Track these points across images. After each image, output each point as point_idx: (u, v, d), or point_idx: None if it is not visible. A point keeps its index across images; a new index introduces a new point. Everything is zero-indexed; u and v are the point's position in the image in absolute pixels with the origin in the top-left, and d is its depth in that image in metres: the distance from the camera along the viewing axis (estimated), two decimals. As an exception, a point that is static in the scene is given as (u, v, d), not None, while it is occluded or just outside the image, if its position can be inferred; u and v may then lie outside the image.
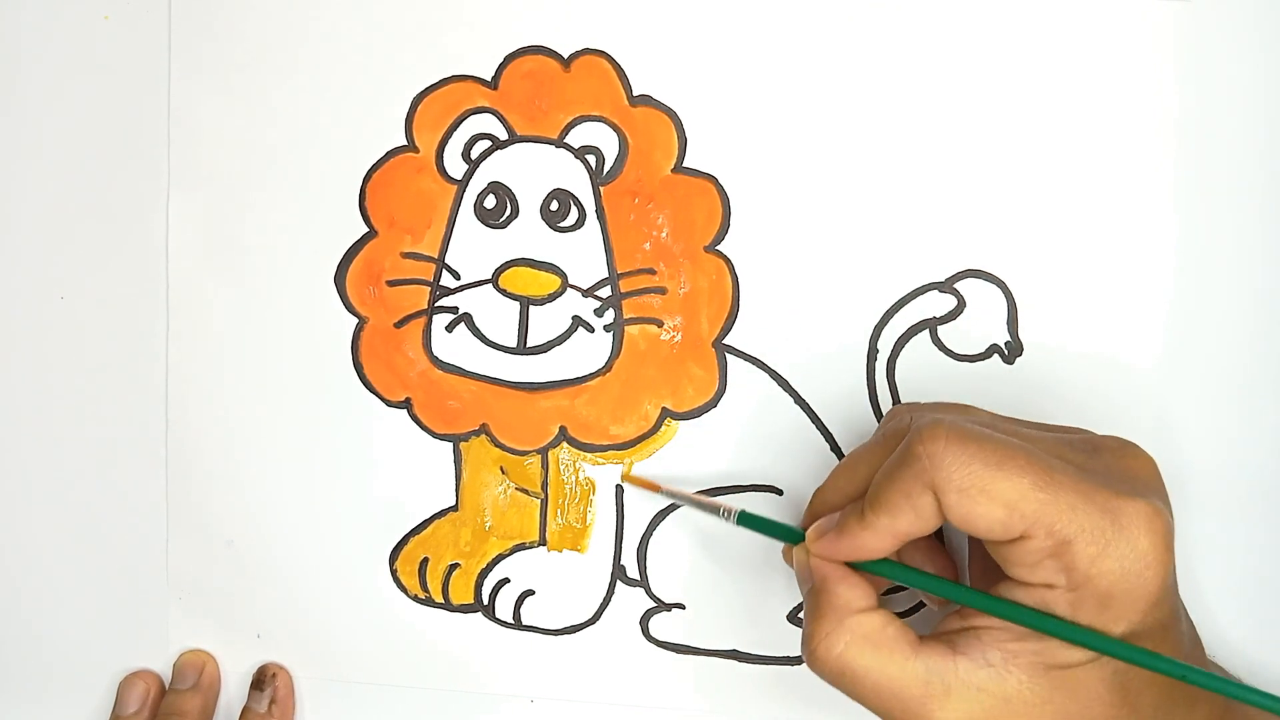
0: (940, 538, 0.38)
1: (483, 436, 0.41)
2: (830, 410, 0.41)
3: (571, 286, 0.41)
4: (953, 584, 0.33)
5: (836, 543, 0.33)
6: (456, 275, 0.41)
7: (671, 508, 0.41)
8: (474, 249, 0.41)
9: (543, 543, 0.42)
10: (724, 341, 0.41)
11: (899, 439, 0.32)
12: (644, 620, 0.42)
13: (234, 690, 0.43)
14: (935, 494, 0.30)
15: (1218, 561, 0.40)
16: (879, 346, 0.40)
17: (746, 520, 0.37)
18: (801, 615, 0.40)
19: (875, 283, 0.40)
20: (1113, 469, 0.31)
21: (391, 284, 0.41)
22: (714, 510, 0.38)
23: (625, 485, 0.41)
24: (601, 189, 0.41)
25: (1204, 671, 0.30)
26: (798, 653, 0.41)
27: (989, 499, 0.29)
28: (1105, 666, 0.30)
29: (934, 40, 0.40)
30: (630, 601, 0.42)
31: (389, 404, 0.42)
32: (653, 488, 0.40)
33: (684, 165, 0.40)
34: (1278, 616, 0.40)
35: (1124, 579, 0.29)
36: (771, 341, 0.41)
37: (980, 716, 0.30)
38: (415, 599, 0.42)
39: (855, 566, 0.34)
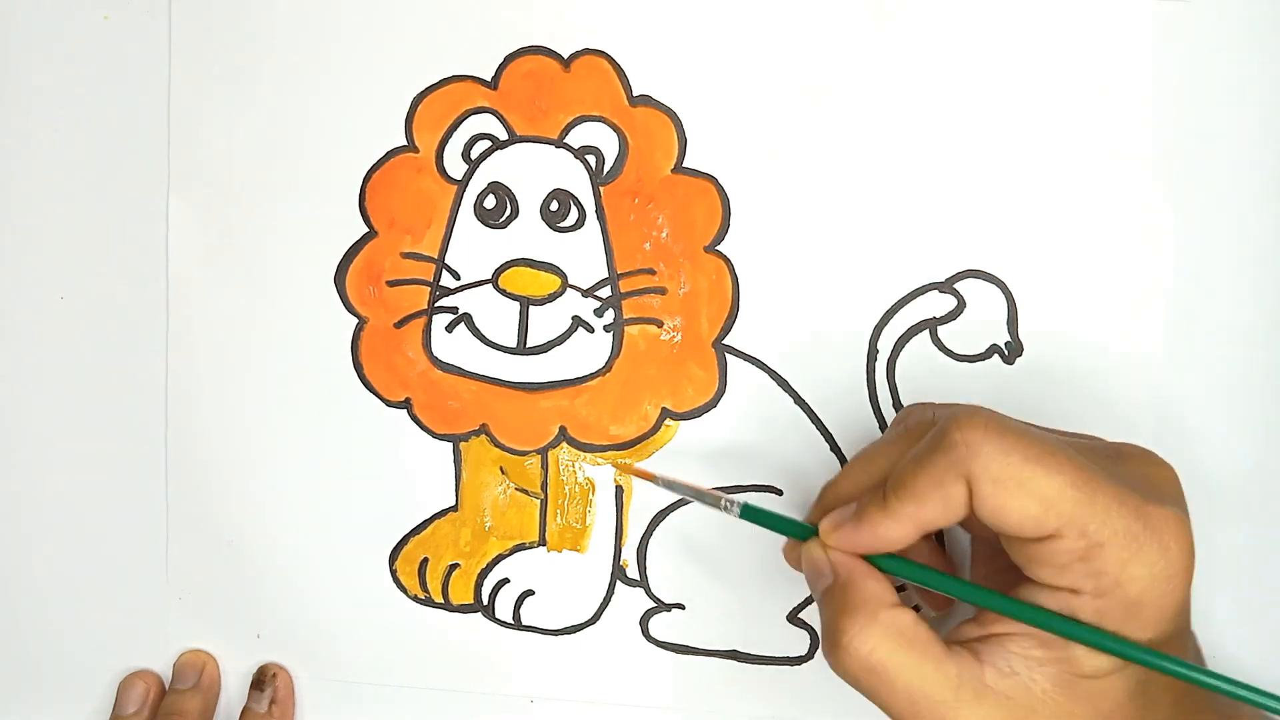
0: (941, 540, 0.38)
1: (482, 437, 0.41)
2: (830, 410, 0.41)
3: (571, 287, 0.41)
4: (979, 588, 0.32)
5: (856, 532, 0.32)
6: (456, 275, 0.41)
7: (671, 508, 0.41)
8: (474, 249, 0.41)
9: (542, 543, 0.42)
10: (724, 342, 0.41)
11: (922, 432, 0.31)
12: (644, 620, 0.42)
13: (234, 690, 0.43)
14: (969, 483, 0.29)
15: (1216, 561, 0.40)
16: (879, 346, 0.40)
17: (750, 514, 0.35)
18: (801, 616, 0.41)
19: (875, 283, 0.40)
20: (1138, 476, 0.30)
21: (391, 284, 0.41)
22: (715, 502, 0.36)
23: (621, 475, 0.41)
24: (601, 189, 0.41)
25: (1241, 682, 0.29)
26: (798, 653, 0.41)
27: (1026, 493, 0.29)
28: (1130, 676, 0.30)
29: (933, 40, 0.40)
30: (630, 602, 0.42)
31: (389, 404, 0.42)
32: (648, 477, 0.38)
33: (684, 165, 0.40)
34: (1277, 615, 0.40)
35: (1153, 586, 0.29)
36: (771, 341, 0.41)
37: None
38: (415, 599, 0.42)
39: (881, 565, 0.32)
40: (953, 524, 0.31)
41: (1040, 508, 0.28)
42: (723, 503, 0.35)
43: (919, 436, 0.31)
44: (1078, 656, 0.29)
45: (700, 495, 0.36)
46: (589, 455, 0.41)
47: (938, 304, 0.40)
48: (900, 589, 0.33)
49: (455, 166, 0.41)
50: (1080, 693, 0.30)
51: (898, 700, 0.30)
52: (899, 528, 0.31)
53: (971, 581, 0.35)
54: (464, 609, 0.42)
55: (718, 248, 0.40)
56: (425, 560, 0.42)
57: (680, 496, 0.40)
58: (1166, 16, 0.39)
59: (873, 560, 0.32)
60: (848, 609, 0.31)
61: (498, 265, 0.41)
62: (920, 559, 0.35)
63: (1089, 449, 0.31)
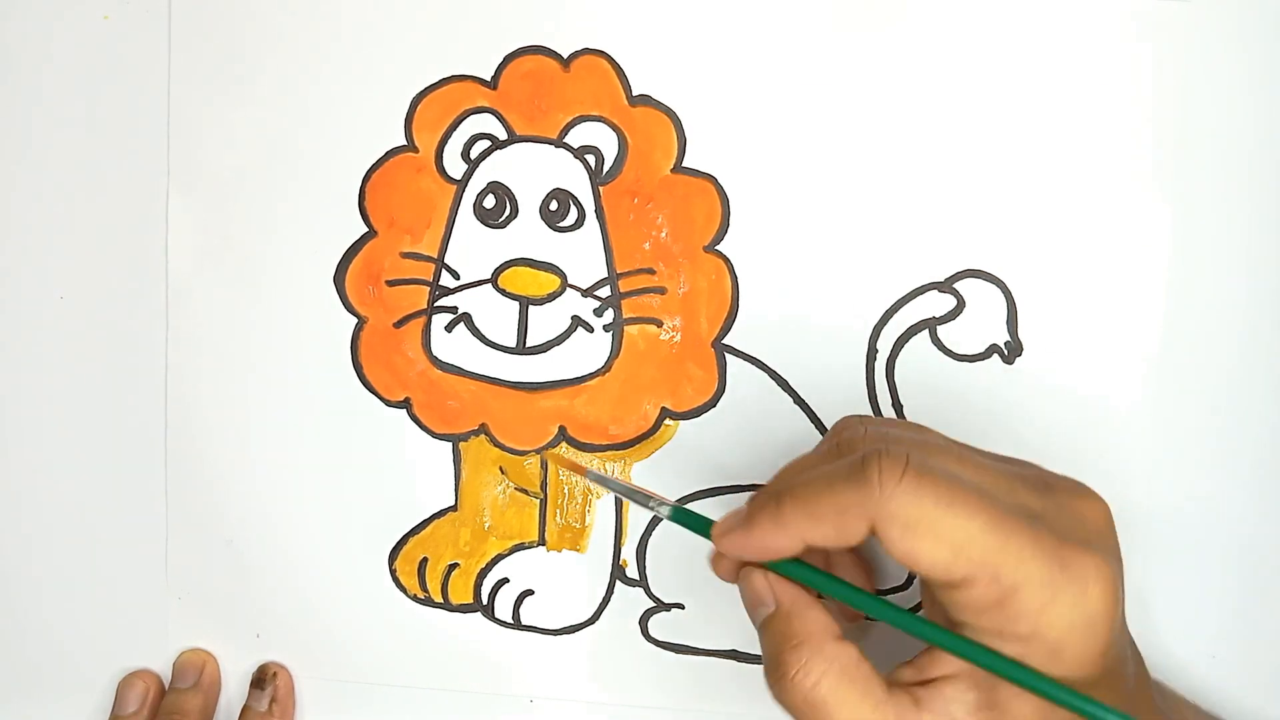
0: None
1: (482, 436, 0.41)
2: (830, 410, 0.41)
3: (571, 286, 0.41)
4: (885, 603, 0.31)
5: (744, 537, 0.31)
6: (456, 275, 0.41)
7: (671, 508, 0.41)
8: (473, 249, 0.41)
9: (542, 543, 0.42)
10: (723, 341, 0.41)
11: (852, 450, 0.31)
12: (643, 620, 0.42)
13: (234, 690, 0.43)
14: (875, 524, 0.29)
15: (1215, 564, 0.40)
16: (879, 346, 0.40)
17: (680, 517, 0.34)
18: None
19: (875, 283, 0.40)
20: (1065, 512, 0.30)
21: (391, 284, 0.41)
22: (645, 501, 0.35)
23: (548, 461, 0.40)
24: (601, 189, 0.41)
25: None
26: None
27: (935, 537, 0.28)
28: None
29: (933, 40, 0.39)
30: (630, 601, 0.42)
31: (388, 404, 0.42)
32: (578, 469, 0.38)
33: (683, 165, 0.40)
34: (1276, 613, 0.40)
35: (1072, 631, 0.28)
36: (771, 341, 0.41)
37: None
38: (414, 599, 0.42)
39: (778, 569, 0.32)
40: (843, 549, 0.30)
41: (950, 553, 0.28)
42: (652, 502, 0.35)
43: (848, 453, 0.31)
44: (1004, 700, 0.29)
45: (631, 493, 0.35)
46: (589, 455, 0.41)
47: (937, 304, 0.40)
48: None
49: (455, 166, 0.41)
50: None
51: None
52: (786, 540, 0.30)
53: (928, 613, 0.34)
54: (463, 609, 0.42)
55: (717, 247, 0.40)
56: (425, 560, 0.42)
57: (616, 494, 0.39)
58: (1165, 16, 0.39)
59: (773, 566, 0.32)
60: (792, 640, 0.30)
61: (497, 265, 0.41)
62: (841, 566, 0.35)
63: (1016, 480, 0.30)
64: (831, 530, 0.29)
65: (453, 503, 0.42)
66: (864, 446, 0.30)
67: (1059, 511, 0.30)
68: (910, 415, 0.40)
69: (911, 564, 0.29)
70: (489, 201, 0.41)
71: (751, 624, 0.32)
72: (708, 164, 0.40)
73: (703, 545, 0.40)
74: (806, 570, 0.32)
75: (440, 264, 0.41)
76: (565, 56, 0.40)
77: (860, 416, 0.34)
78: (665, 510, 0.34)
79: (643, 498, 0.35)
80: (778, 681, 0.30)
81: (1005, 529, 0.28)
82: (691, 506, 0.41)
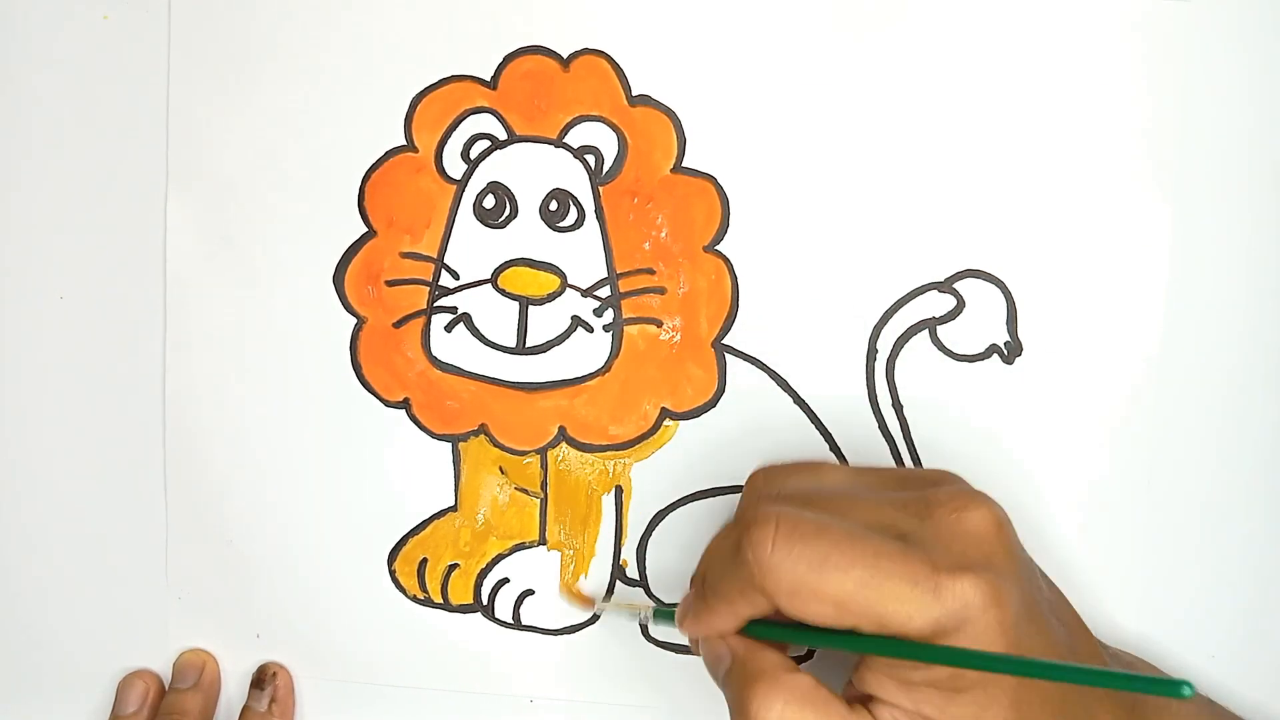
0: None
1: (481, 436, 0.41)
2: (830, 410, 0.41)
3: (571, 286, 0.41)
4: (836, 634, 0.31)
5: (695, 623, 0.34)
6: (455, 275, 0.41)
7: (671, 508, 0.41)
8: (473, 249, 0.41)
9: (542, 542, 0.42)
10: (723, 341, 0.41)
11: (741, 518, 0.32)
12: (643, 620, 0.42)
13: (234, 690, 0.43)
14: (766, 596, 0.30)
15: (1220, 559, 0.40)
16: (879, 346, 0.40)
17: (660, 617, 0.38)
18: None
19: (875, 283, 0.40)
20: (944, 533, 0.31)
21: (390, 284, 0.41)
22: (635, 615, 0.41)
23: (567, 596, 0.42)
24: (601, 189, 0.41)
25: (1080, 668, 0.29)
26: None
27: (818, 600, 0.29)
28: (1003, 707, 0.30)
29: (933, 40, 0.39)
30: (621, 612, 0.42)
31: (388, 404, 0.42)
32: (587, 603, 0.42)
33: (683, 165, 0.40)
34: (1276, 613, 0.40)
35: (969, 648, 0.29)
36: (771, 341, 0.41)
37: None
38: (414, 599, 0.42)
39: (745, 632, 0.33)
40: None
41: (835, 611, 0.29)
42: (641, 615, 0.40)
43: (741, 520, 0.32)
44: (951, 709, 0.30)
45: (624, 613, 0.41)
46: (589, 455, 0.41)
47: (937, 304, 0.40)
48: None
49: (454, 166, 0.41)
50: None
51: None
52: (726, 621, 0.32)
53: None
54: (463, 609, 0.42)
55: (717, 247, 0.40)
56: (424, 560, 0.42)
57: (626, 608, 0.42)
58: (1164, 16, 0.39)
59: (745, 630, 0.33)
60: (749, 679, 0.32)
61: (497, 265, 0.41)
62: None
63: (896, 507, 0.31)
64: (748, 607, 0.31)
65: (452, 503, 0.42)
66: (742, 518, 0.32)
67: (936, 533, 0.31)
68: (910, 415, 0.40)
69: (805, 620, 0.30)
70: (489, 201, 0.41)
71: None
72: (707, 164, 0.40)
73: (702, 546, 0.40)
74: (767, 627, 0.33)
75: (440, 264, 0.41)
76: (565, 56, 0.40)
77: (755, 473, 0.36)
78: (649, 618, 0.39)
79: (631, 613, 0.40)
80: (743, 717, 0.31)
81: (881, 574, 0.29)
82: (691, 506, 0.41)
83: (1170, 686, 0.26)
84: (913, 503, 0.32)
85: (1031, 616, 0.30)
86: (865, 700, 0.31)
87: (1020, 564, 0.31)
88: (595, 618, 0.42)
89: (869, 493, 0.33)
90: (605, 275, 0.41)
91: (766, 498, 0.34)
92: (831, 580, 0.29)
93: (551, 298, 0.41)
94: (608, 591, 0.42)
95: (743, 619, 0.32)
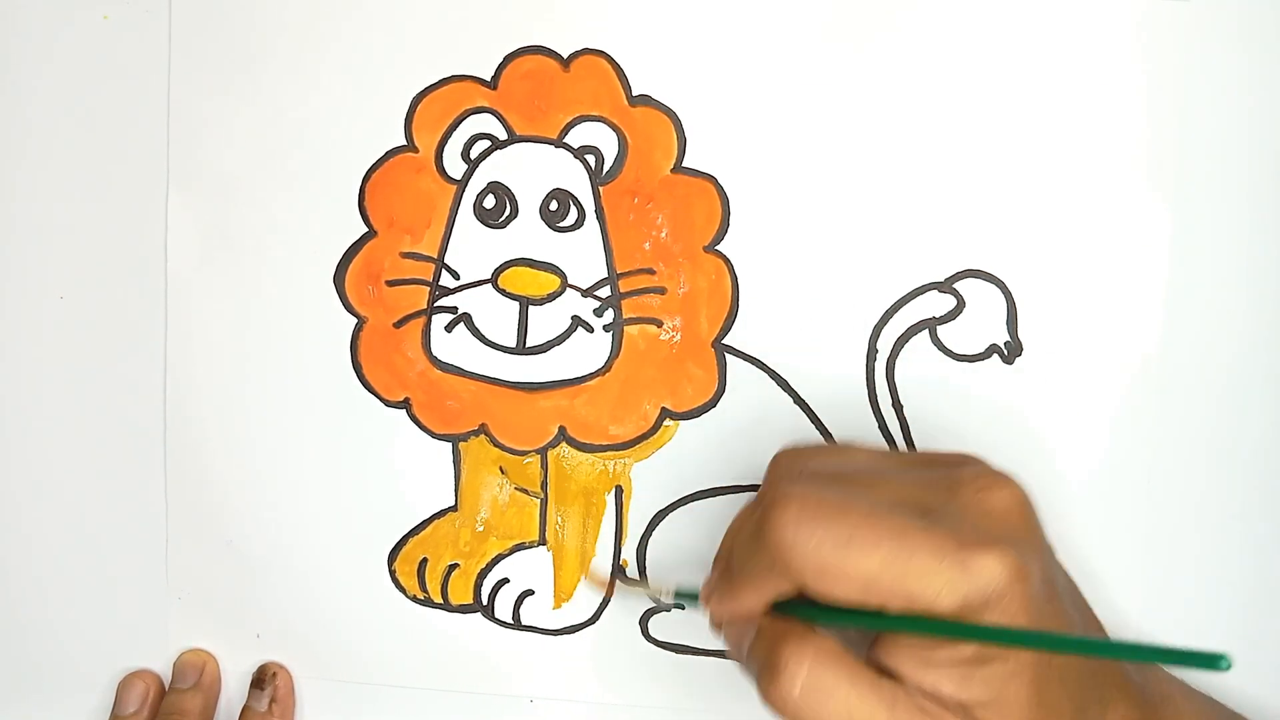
0: None
1: (482, 436, 0.41)
2: (830, 410, 0.41)
3: (571, 286, 0.41)
4: (866, 614, 0.31)
5: (720, 605, 0.33)
6: (456, 275, 0.41)
7: (671, 508, 0.41)
8: (473, 249, 0.41)
9: (542, 542, 0.42)
10: (723, 341, 0.41)
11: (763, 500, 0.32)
12: (643, 620, 0.42)
13: (234, 690, 0.43)
14: (792, 577, 0.30)
15: (1220, 557, 0.40)
16: (879, 346, 0.40)
17: (683, 597, 0.39)
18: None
19: (875, 283, 0.40)
20: (969, 510, 0.30)
21: (391, 284, 0.41)
22: (654, 597, 0.41)
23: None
24: (601, 189, 0.41)
25: (1109, 642, 0.28)
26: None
27: (845, 579, 0.29)
28: (1022, 685, 0.29)
29: (933, 40, 0.39)
30: (630, 601, 0.42)
31: (388, 404, 0.42)
32: (604, 585, 0.42)
33: (683, 165, 0.40)
34: (1277, 612, 0.40)
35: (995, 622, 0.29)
36: (771, 341, 0.41)
37: None
38: (414, 599, 0.42)
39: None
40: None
41: (861, 589, 0.29)
42: (662, 595, 0.40)
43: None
44: (969, 680, 0.29)
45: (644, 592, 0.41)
46: (589, 455, 0.41)
47: (937, 304, 0.40)
48: None
49: (455, 166, 0.41)
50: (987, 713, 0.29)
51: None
52: (751, 601, 0.32)
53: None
54: (463, 609, 0.42)
55: (717, 247, 0.40)
56: (424, 560, 0.42)
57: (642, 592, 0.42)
58: (1164, 16, 0.39)
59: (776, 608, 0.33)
60: (778, 637, 0.31)
61: (497, 265, 0.41)
62: None
63: (921, 485, 0.31)
64: (773, 589, 0.31)
65: (452, 503, 0.42)
66: (764, 497, 0.31)
67: (962, 510, 0.30)
68: (910, 415, 0.40)
69: (832, 600, 0.30)
70: (489, 201, 0.41)
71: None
72: (708, 164, 0.40)
73: (702, 546, 0.40)
74: (793, 608, 0.32)
75: (440, 264, 0.41)
76: (565, 56, 0.40)
77: (780, 453, 0.35)
78: (670, 597, 0.40)
79: (654, 594, 0.41)
80: (771, 681, 0.31)
81: (908, 550, 0.28)
82: (691, 506, 0.41)
83: (1207, 660, 0.25)
84: (938, 481, 0.31)
85: (1051, 596, 0.30)
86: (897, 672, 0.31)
87: (1043, 544, 0.31)
88: (596, 618, 0.42)
89: (894, 472, 0.32)
90: (605, 275, 0.41)
91: (789, 476, 0.33)
92: (857, 559, 0.29)
93: (552, 298, 0.41)
94: (608, 591, 0.42)
95: (768, 599, 0.31)
